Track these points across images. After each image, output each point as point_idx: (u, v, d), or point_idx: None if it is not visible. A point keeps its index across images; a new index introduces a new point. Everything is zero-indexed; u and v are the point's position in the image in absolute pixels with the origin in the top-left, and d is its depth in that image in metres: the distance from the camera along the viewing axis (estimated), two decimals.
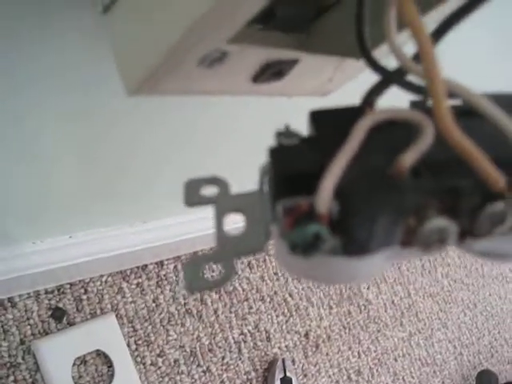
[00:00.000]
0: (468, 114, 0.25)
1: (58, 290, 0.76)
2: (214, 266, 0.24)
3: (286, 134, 0.25)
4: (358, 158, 0.22)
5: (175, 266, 0.91)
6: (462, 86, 0.23)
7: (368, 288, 1.19)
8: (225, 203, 0.26)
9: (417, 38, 0.21)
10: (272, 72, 0.29)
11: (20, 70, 0.35)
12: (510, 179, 0.21)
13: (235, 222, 0.26)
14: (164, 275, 0.89)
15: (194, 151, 0.59)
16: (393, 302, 1.22)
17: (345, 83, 0.35)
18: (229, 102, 0.34)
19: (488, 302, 1.50)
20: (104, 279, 0.82)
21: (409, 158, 0.22)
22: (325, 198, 0.21)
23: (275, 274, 1.04)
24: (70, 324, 0.76)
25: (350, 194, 0.21)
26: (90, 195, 0.63)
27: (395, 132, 0.23)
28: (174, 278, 0.90)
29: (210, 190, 0.27)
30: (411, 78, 0.25)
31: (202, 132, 0.56)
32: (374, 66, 0.26)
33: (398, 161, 0.21)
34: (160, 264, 0.89)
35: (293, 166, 0.23)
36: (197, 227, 0.81)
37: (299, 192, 0.22)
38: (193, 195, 0.27)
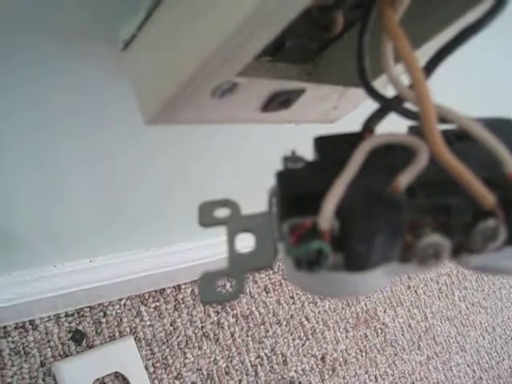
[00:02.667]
0: (462, 137, 0.27)
1: (78, 312, 0.78)
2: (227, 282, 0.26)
3: (292, 158, 0.27)
4: (358, 179, 0.24)
5: (192, 290, 0.93)
6: (452, 110, 0.25)
7: (385, 311, 1.19)
8: (236, 224, 0.28)
9: (409, 70, 0.23)
10: (280, 101, 0.32)
11: (43, 109, 0.37)
12: (499, 197, 0.23)
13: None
14: (181, 299, 0.91)
15: (207, 176, 0.61)
16: (410, 325, 1.22)
17: (350, 111, 0.37)
18: (239, 128, 0.36)
19: (507, 326, 1.49)
20: (123, 302, 0.83)
21: (404, 178, 0.23)
22: (326, 216, 0.22)
23: (291, 297, 1.05)
24: (90, 346, 0.78)
25: (349, 212, 0.23)
26: (109, 220, 0.65)
27: (393, 155, 0.25)
28: (192, 301, 0.92)
29: (222, 212, 0.29)
30: (408, 105, 0.27)
31: (213, 157, 0.58)
32: (373, 94, 0.28)
33: (394, 181, 0.23)
34: (177, 288, 0.91)
35: (298, 187, 0.25)
36: (211, 252, 0.83)
37: (304, 212, 0.24)
38: (206, 217, 0.29)
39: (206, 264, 0.87)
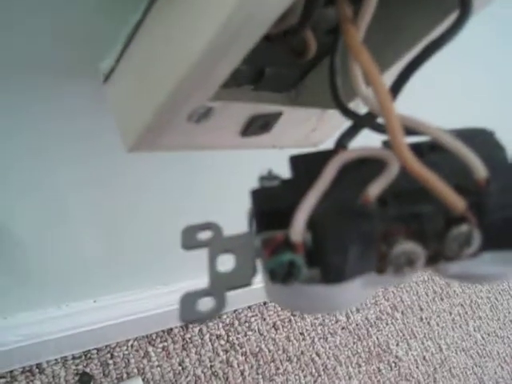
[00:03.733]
0: (434, 149, 0.27)
1: (85, 355, 0.78)
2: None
3: (268, 177, 0.27)
4: (331, 193, 0.24)
5: (200, 329, 0.92)
6: (421, 122, 0.25)
7: (397, 344, 1.17)
8: (218, 245, 0.28)
9: (371, 83, 0.24)
10: (258, 125, 0.32)
11: (35, 139, 0.38)
12: (470, 203, 0.23)
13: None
14: (189, 338, 0.90)
15: (207, 208, 0.61)
16: (424, 357, 1.20)
17: (331, 133, 0.38)
18: (229, 154, 0.37)
19: None
20: (130, 343, 0.83)
21: (374, 189, 0.24)
22: (297, 228, 0.23)
23: (301, 333, 1.04)
24: None
25: (320, 223, 0.23)
26: (112, 259, 0.66)
27: (365, 169, 0.26)
28: (200, 340, 0.91)
29: (205, 234, 0.30)
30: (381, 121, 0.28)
31: (211, 190, 0.59)
32: (345, 111, 0.28)
33: (364, 192, 0.24)
34: (185, 327, 0.90)
35: (271, 203, 0.25)
36: None
37: (277, 226, 0.24)
38: (189, 240, 0.29)
39: None
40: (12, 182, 0.43)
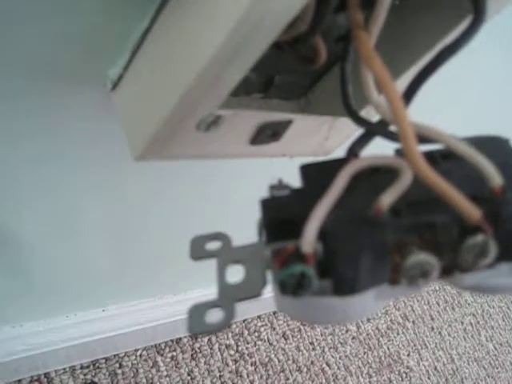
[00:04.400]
0: (448, 157, 0.27)
1: (94, 364, 0.77)
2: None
3: (278, 186, 0.27)
4: (342, 202, 0.24)
5: (209, 339, 0.91)
6: (435, 129, 0.25)
7: (408, 355, 1.16)
8: (226, 256, 0.28)
9: (384, 90, 0.23)
10: (268, 134, 0.32)
11: (44, 144, 0.38)
12: (486, 212, 0.23)
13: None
14: (198, 348, 0.89)
15: (216, 215, 0.61)
16: (435, 368, 1.18)
17: (342, 142, 0.37)
18: (238, 162, 0.37)
19: None
20: (139, 353, 0.82)
21: (387, 198, 0.23)
22: (308, 239, 0.22)
23: (311, 343, 1.03)
24: None
25: (332, 233, 0.23)
26: (121, 268, 0.65)
27: (378, 178, 0.25)
28: (209, 350, 0.90)
29: (213, 245, 0.29)
30: (393, 128, 0.27)
31: (221, 199, 0.59)
32: (357, 119, 0.28)
33: (377, 201, 0.23)
34: (194, 337, 0.90)
35: (281, 213, 0.25)
36: None
37: (288, 237, 0.23)
38: (198, 250, 0.29)
39: None
40: (21, 188, 0.42)
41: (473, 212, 0.22)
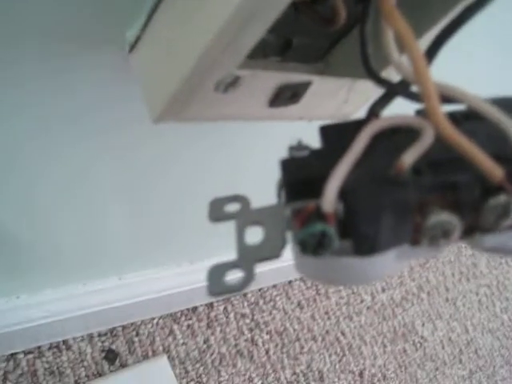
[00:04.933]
0: (470, 117, 0.26)
1: (111, 332, 0.79)
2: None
3: (297, 147, 0.26)
4: (363, 162, 0.24)
5: (225, 308, 0.92)
6: (458, 89, 0.24)
7: (423, 325, 1.16)
8: (246, 217, 0.28)
9: (407, 48, 0.23)
10: (287, 96, 0.32)
11: (62, 107, 0.38)
12: (509, 172, 0.22)
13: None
14: (214, 316, 0.90)
15: (234, 180, 0.61)
16: (450, 338, 1.19)
17: (362, 105, 0.37)
18: (256, 125, 0.36)
19: None
20: (155, 322, 0.84)
21: (409, 157, 0.23)
22: (329, 198, 0.22)
23: (326, 313, 1.04)
24: (123, 366, 0.78)
25: (353, 193, 0.22)
26: (137, 235, 0.66)
27: (399, 138, 0.25)
28: (225, 319, 0.91)
29: (232, 207, 0.29)
30: (414, 88, 0.27)
31: (234, 162, 0.59)
32: (377, 79, 0.28)
33: (398, 160, 0.23)
34: (210, 306, 0.91)
35: (301, 173, 0.25)
36: None
37: (308, 196, 0.23)
38: (216, 212, 0.29)
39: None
40: (35, 152, 0.42)
41: (495, 171, 0.22)
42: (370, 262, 0.24)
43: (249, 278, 0.25)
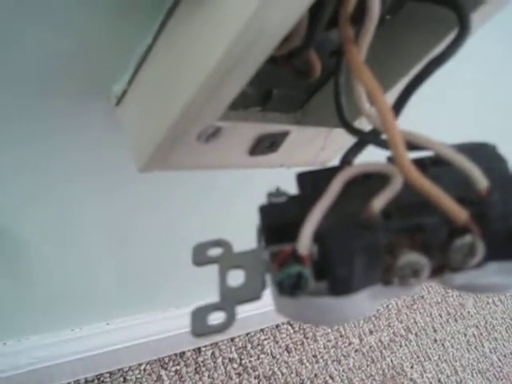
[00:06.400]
0: (438, 163, 0.28)
1: (98, 378, 0.78)
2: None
3: (275, 194, 0.28)
4: (336, 207, 0.25)
5: (213, 352, 0.92)
6: (423, 136, 0.26)
7: (412, 367, 1.16)
8: (228, 261, 0.29)
9: (373, 99, 0.25)
10: (266, 145, 0.33)
11: (44, 150, 0.39)
12: (473, 213, 0.24)
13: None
14: (202, 361, 0.90)
15: (221, 230, 0.62)
16: (439, 380, 1.18)
17: (338, 152, 0.38)
18: (238, 172, 0.38)
19: None
20: (143, 367, 0.83)
21: (378, 202, 0.24)
22: (304, 241, 0.24)
23: (314, 356, 1.04)
24: None
25: (326, 236, 0.24)
26: (125, 282, 0.66)
27: (371, 183, 0.26)
28: (212, 364, 0.91)
29: (215, 251, 0.30)
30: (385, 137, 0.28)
31: (223, 209, 0.60)
32: (350, 128, 0.29)
33: (369, 205, 0.24)
34: (197, 350, 0.90)
35: (278, 218, 0.26)
36: None
37: (285, 240, 0.25)
38: (200, 256, 0.30)
39: None
40: (20, 194, 0.43)
41: (459, 213, 0.24)
42: (345, 301, 0.25)
43: (230, 319, 0.26)
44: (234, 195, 0.59)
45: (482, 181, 0.25)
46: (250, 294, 0.27)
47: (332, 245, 0.24)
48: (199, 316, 0.26)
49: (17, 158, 0.39)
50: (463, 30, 0.28)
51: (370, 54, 0.32)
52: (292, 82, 0.38)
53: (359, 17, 0.27)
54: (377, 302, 0.26)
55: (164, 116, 0.28)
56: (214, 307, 0.26)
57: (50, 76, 0.32)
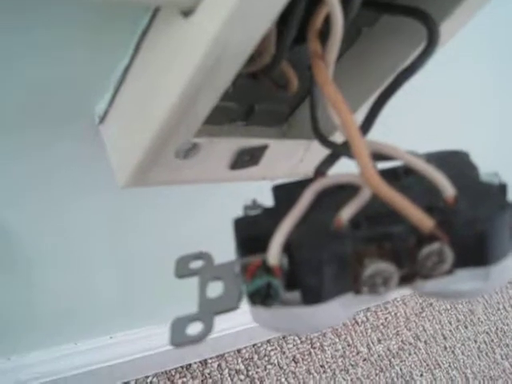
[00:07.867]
0: (410, 172, 0.29)
1: None
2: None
3: (251, 206, 0.29)
4: (308, 217, 0.26)
5: (219, 364, 0.92)
6: (390, 146, 0.27)
7: (421, 375, 1.15)
8: (208, 273, 0.30)
9: (336, 111, 0.25)
10: (245, 159, 0.34)
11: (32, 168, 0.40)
12: (440, 221, 0.24)
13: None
14: (208, 373, 0.90)
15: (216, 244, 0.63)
16: None
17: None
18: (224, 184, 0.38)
19: None
20: (149, 380, 0.84)
21: (346, 212, 0.25)
22: (274, 252, 0.24)
23: (321, 366, 1.04)
24: None
25: (295, 246, 0.24)
26: (129, 295, 0.67)
27: (342, 193, 0.27)
28: (219, 375, 0.91)
29: (197, 264, 0.31)
30: None
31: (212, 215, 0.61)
32: (323, 141, 0.30)
33: (337, 215, 0.25)
34: (204, 362, 0.91)
35: (250, 230, 0.27)
36: (233, 323, 0.84)
37: (258, 251, 0.25)
38: (182, 269, 0.31)
39: (229, 335, 0.87)
40: (22, 212, 0.44)
41: (425, 222, 0.24)
42: (317, 310, 0.25)
43: (208, 329, 0.26)
44: (224, 208, 0.60)
45: (448, 189, 0.25)
46: (227, 304, 0.27)
47: (301, 255, 0.24)
48: (178, 326, 0.27)
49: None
50: (432, 41, 0.29)
51: (347, 66, 0.33)
52: (274, 96, 0.38)
53: (327, 32, 0.28)
54: (350, 310, 0.27)
55: (142, 135, 0.29)
56: (193, 318, 0.27)
57: (33, 103, 0.33)
